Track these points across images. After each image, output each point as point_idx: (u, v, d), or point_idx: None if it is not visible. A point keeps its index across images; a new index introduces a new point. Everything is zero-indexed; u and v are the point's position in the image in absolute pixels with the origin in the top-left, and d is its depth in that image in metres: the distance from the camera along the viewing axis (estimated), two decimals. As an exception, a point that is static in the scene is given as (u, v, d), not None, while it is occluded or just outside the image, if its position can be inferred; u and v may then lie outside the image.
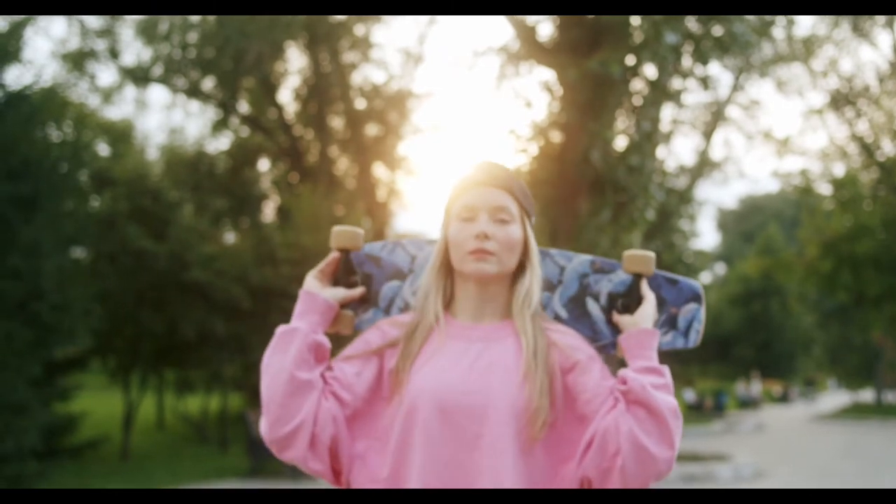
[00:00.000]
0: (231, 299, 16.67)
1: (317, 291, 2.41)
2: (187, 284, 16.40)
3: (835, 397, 56.86)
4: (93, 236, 15.54)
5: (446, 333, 2.35)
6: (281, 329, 2.30)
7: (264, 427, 2.24)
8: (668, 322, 2.48)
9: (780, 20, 16.94)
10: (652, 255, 2.45)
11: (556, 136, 12.60)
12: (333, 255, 2.48)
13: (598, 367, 2.32)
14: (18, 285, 11.83)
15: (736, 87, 23.51)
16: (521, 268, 2.40)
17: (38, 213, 12.10)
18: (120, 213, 16.45)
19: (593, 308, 2.50)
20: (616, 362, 2.46)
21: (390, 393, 2.31)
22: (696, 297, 2.52)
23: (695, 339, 2.51)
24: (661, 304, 2.47)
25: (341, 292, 2.46)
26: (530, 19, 13.29)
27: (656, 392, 2.21)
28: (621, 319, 2.42)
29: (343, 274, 2.50)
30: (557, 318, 2.51)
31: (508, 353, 2.30)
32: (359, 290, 2.49)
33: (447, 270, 2.41)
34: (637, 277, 2.45)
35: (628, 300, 2.44)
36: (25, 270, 11.91)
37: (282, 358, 2.24)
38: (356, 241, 2.49)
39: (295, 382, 2.22)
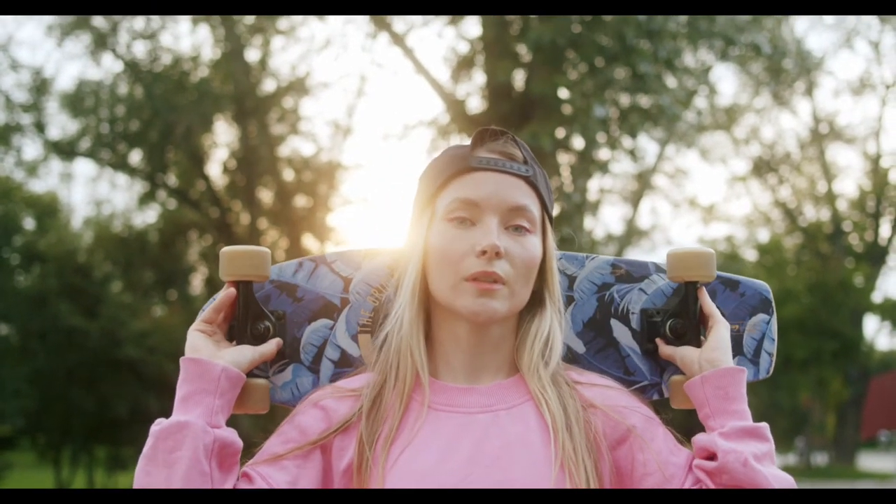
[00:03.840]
0: (163, 375, 16.51)
1: (209, 357, 1.59)
2: (119, 361, 16.24)
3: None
4: (22, 314, 15.35)
5: (429, 403, 1.57)
6: (159, 428, 1.49)
7: None
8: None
9: (703, 90, 17.20)
10: (711, 252, 1.72)
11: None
12: (228, 291, 1.67)
13: (661, 433, 1.61)
14: (-53, 366, 11.64)
15: (661, 157, 23.78)
16: (534, 299, 1.65)
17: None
18: (49, 290, 16.28)
19: (622, 334, 1.77)
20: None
21: None
22: (764, 305, 1.79)
23: (767, 365, 1.77)
24: None
25: (248, 352, 1.63)
26: (459, 93, 13.40)
27: (764, 468, 1.48)
28: (677, 353, 1.69)
29: (244, 319, 1.68)
30: (570, 355, 1.76)
31: (530, 427, 1.54)
32: (274, 344, 1.67)
33: (423, 301, 1.63)
34: (690, 287, 1.71)
35: (681, 321, 1.71)
36: (-46, 351, 11.72)
37: (167, 477, 1.44)
38: (261, 266, 1.69)
39: None
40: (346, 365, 1.72)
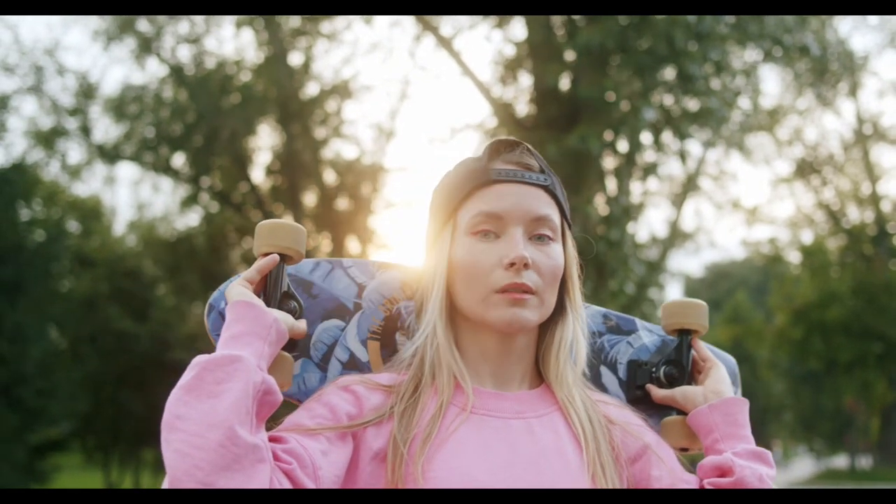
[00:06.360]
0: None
1: (262, 305, 1.49)
2: (168, 364, 16.32)
3: (806, 464, 56.79)
4: (73, 318, 15.45)
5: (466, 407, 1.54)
6: (205, 359, 1.36)
7: None
8: None
9: (747, 90, 17.12)
10: (704, 304, 1.82)
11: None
12: (272, 257, 1.58)
13: (672, 453, 1.63)
14: (3, 371, 11.68)
15: (705, 159, 23.66)
16: (556, 307, 1.64)
17: (22, 298, 11.97)
18: (99, 294, 16.40)
19: (609, 382, 1.82)
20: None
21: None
22: (731, 377, 1.88)
23: None
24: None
25: (290, 319, 1.54)
26: (507, 96, 13.39)
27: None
28: (677, 392, 1.75)
29: (275, 294, 1.59)
30: None
31: (560, 436, 1.55)
32: (304, 325, 1.60)
33: (450, 315, 1.61)
34: (685, 335, 1.81)
35: (675, 368, 1.78)
36: (10, 355, 11.76)
37: (211, 407, 1.29)
38: (300, 241, 1.62)
39: (237, 447, 1.28)
40: (353, 368, 1.69)
